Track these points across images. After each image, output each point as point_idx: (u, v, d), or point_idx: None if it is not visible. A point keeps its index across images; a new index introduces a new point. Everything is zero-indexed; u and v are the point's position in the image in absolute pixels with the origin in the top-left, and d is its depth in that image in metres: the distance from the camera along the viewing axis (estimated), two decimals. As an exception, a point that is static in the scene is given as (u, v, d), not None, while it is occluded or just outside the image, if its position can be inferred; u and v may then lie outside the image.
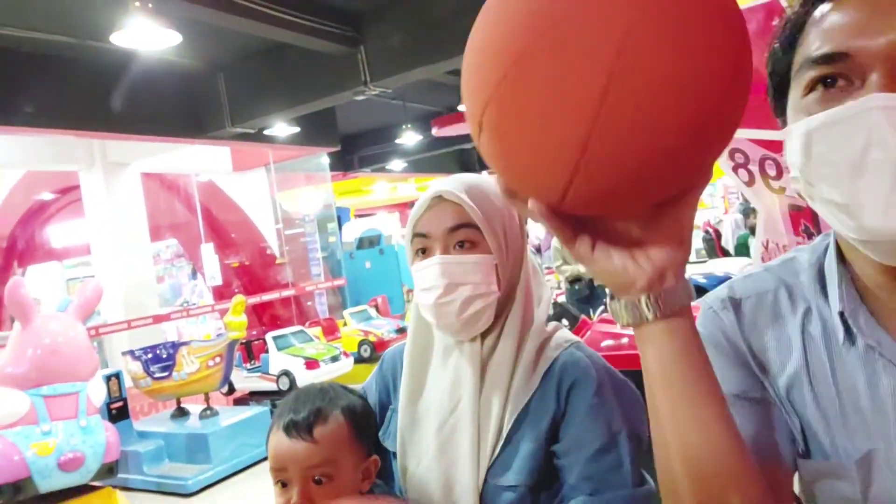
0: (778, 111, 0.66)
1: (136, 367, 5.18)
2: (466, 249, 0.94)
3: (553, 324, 1.02)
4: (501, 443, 0.93)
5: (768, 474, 0.62)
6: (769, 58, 0.65)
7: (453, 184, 0.97)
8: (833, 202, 0.56)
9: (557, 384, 0.93)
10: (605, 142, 0.49)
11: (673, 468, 0.59)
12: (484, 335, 0.97)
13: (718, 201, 16.20)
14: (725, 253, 10.15)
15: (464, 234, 0.94)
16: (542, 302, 1.02)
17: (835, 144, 0.55)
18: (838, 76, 0.57)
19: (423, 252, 0.97)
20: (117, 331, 6.89)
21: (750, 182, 1.97)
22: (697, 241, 14.14)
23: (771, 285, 0.70)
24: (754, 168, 1.93)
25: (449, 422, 0.96)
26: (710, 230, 11.72)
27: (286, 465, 0.90)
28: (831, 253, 0.66)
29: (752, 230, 8.30)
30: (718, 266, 6.44)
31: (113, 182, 7.67)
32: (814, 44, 0.58)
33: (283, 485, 0.91)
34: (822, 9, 0.59)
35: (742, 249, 8.29)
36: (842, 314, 0.62)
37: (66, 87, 5.51)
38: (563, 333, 1.01)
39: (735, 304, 0.71)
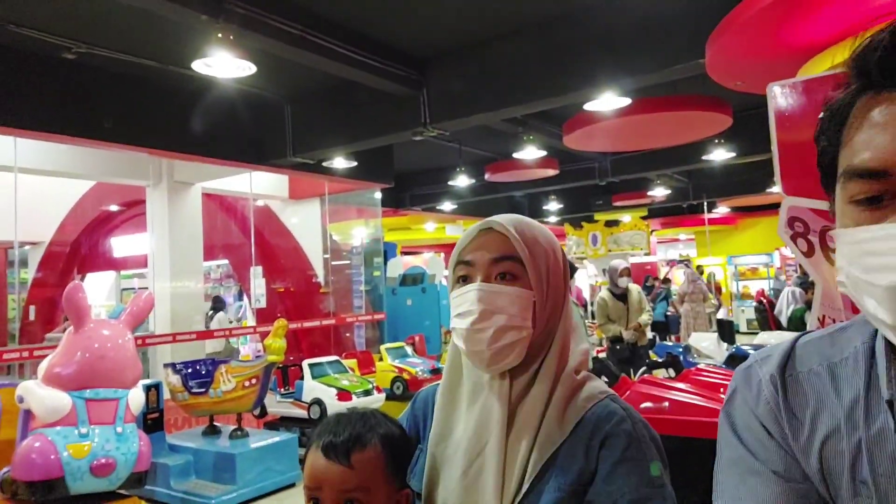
0: (828, 190, 0.65)
1: (176, 380, 5.29)
2: (507, 281, 0.96)
3: (583, 373, 1.00)
4: (525, 489, 0.91)
5: None
6: (816, 143, 0.64)
7: (504, 218, 1.00)
8: (879, 319, 0.56)
9: (589, 437, 0.91)
10: None
11: None
12: (514, 375, 0.97)
13: (775, 272, 15.70)
14: (778, 324, 9.78)
15: (507, 266, 0.96)
16: (576, 352, 1.00)
17: (879, 267, 0.54)
18: (881, 193, 0.56)
19: (465, 279, 0.99)
20: (163, 343, 7.08)
21: (809, 253, 1.91)
22: (750, 311, 13.68)
23: (814, 364, 0.68)
24: (814, 239, 1.88)
25: (475, 464, 0.95)
26: (764, 300, 11.33)
27: (321, 484, 0.92)
28: (882, 338, 0.63)
29: (809, 305, 7.98)
30: (770, 339, 6.20)
31: (176, 200, 8.00)
32: (857, 151, 0.57)
33: (315, 502, 0.93)
34: (865, 103, 0.58)
35: (795, 323, 7.97)
36: (890, 402, 0.60)
37: (144, 107, 5.84)
38: (597, 384, 0.99)
39: (782, 380, 0.69)
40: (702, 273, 14.16)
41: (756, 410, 0.69)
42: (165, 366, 5.51)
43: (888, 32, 0.56)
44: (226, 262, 11.18)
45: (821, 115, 0.63)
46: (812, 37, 3.24)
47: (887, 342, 0.63)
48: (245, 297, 10.32)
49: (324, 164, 7.29)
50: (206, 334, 7.65)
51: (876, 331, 0.66)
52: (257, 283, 8.62)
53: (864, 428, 0.61)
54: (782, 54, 3.46)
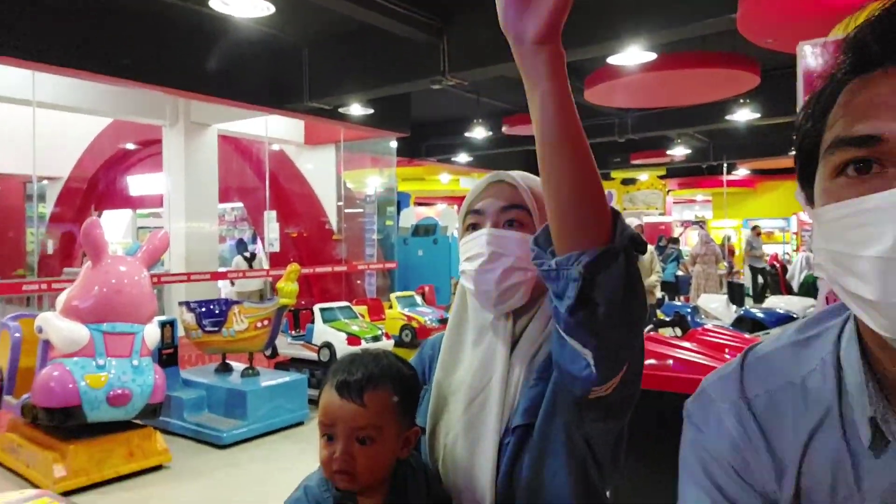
0: (804, 184, 0.63)
1: (190, 318, 5.41)
2: (514, 228, 1.02)
3: None
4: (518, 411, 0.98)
5: None
6: (796, 131, 0.62)
7: (513, 172, 1.07)
8: (862, 298, 0.53)
9: None
10: None
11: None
12: (517, 315, 1.03)
13: (791, 237, 15.54)
14: (789, 289, 9.74)
15: (514, 214, 1.03)
16: None
17: (865, 238, 0.52)
18: (871, 160, 0.53)
19: (475, 227, 1.04)
20: (178, 282, 7.21)
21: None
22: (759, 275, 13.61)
23: (782, 379, 0.65)
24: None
25: (478, 399, 1.00)
26: (777, 264, 11.25)
27: (335, 421, 0.96)
28: (853, 346, 0.61)
29: (822, 271, 7.91)
30: (779, 303, 6.19)
31: (192, 140, 8.00)
32: (846, 123, 0.55)
33: (329, 438, 0.97)
34: (855, 85, 0.56)
35: (807, 288, 7.94)
36: (873, 419, 0.58)
37: (162, 46, 5.77)
38: None
39: (746, 403, 0.66)
40: (759, 234, 13.52)
41: (717, 443, 0.66)
42: (180, 304, 5.63)
43: (883, 9, 0.54)
44: (240, 204, 11.25)
45: (807, 97, 0.62)
46: (849, -6, 3.12)
47: (862, 352, 0.61)
48: (258, 241, 10.41)
49: (340, 110, 7.21)
50: (220, 275, 7.76)
51: (840, 339, 0.64)
52: (271, 227, 8.68)
53: (841, 445, 0.60)
54: (816, 12, 3.34)
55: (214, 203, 8.35)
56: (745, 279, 12.30)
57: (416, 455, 1.05)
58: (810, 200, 0.61)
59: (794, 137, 0.63)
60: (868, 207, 0.52)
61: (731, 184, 15.38)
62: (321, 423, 0.97)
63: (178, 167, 7.95)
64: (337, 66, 6.47)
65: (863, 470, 0.58)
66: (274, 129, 8.98)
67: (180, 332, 5.33)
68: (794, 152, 0.64)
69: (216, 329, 5.31)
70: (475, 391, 1.00)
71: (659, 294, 6.19)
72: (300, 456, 4.55)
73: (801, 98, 2.34)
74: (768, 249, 15.29)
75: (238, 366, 5.44)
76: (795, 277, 9.96)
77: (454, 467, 1.00)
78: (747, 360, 0.69)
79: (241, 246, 9.56)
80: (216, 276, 7.62)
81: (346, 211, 10.33)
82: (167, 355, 5.02)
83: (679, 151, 11.85)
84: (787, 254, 14.62)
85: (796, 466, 0.62)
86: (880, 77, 0.54)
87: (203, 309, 5.46)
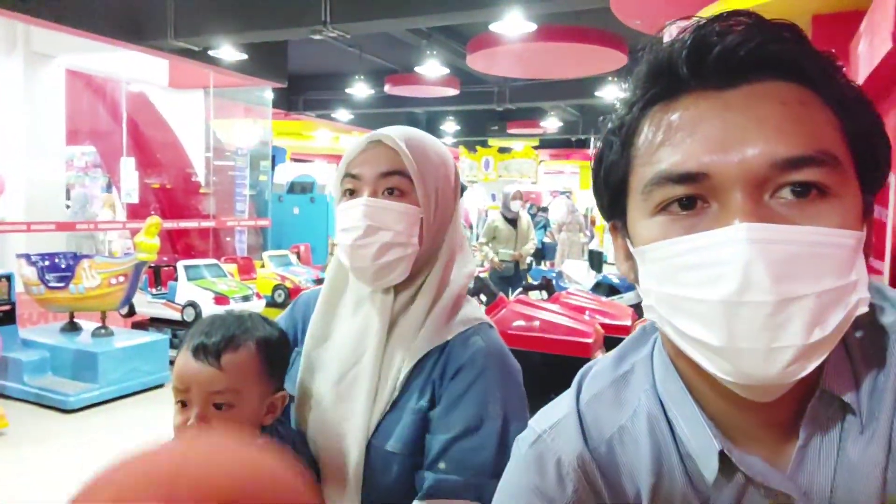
0: (610, 216, 0.59)
1: (31, 272, 4.88)
2: (395, 197, 0.94)
3: (466, 296, 1.02)
4: (392, 401, 0.94)
5: None
6: (597, 163, 0.59)
7: (395, 131, 0.96)
8: (704, 343, 0.49)
9: (445, 363, 0.93)
10: None
11: None
12: (398, 290, 0.97)
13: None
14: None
15: (395, 182, 0.94)
16: (460, 274, 1.01)
17: (704, 280, 0.48)
18: (696, 197, 0.50)
19: (352, 193, 0.96)
20: (15, 231, 6.45)
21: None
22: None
23: (614, 424, 0.61)
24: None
25: (350, 374, 0.96)
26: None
27: (189, 385, 0.89)
28: (673, 383, 0.58)
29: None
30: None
31: (33, 73, 7.08)
32: (663, 159, 0.51)
33: (184, 404, 0.90)
34: (661, 111, 0.53)
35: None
36: (722, 452, 0.55)
37: (-7, -42, 5.00)
38: (473, 310, 1.01)
39: (591, 456, 0.60)
40: None
41: (560, 496, 0.59)
42: (19, 256, 5.06)
43: (689, 33, 0.52)
44: (92, 149, 10.19)
45: (608, 128, 0.58)
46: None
47: (688, 383, 0.57)
48: (114, 190, 9.54)
49: (209, 52, 6.69)
50: (67, 226, 7.04)
51: (653, 372, 0.61)
52: (129, 175, 7.96)
53: (685, 482, 0.57)
54: (682, -2, 3.56)
55: (60, 145, 7.50)
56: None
57: (285, 422, 1.00)
58: (619, 231, 0.59)
59: (595, 171, 0.59)
60: (702, 246, 0.49)
61: (597, 157, 16.31)
62: (175, 388, 0.90)
63: (14, 102, 7.01)
64: (208, 3, 5.98)
65: (710, 500, 0.56)
66: (133, 66, 8.15)
67: (19, 287, 4.80)
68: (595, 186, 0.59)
69: (62, 285, 4.84)
70: (347, 365, 0.96)
71: (529, 260, 6.48)
72: (157, 420, 4.30)
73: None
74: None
75: (88, 325, 5.01)
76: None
77: (325, 440, 0.96)
78: (582, 404, 0.63)
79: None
80: (62, 226, 6.89)
81: (216, 163, 9.69)
82: (3, 313, 4.51)
83: (552, 124, 12.35)
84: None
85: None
86: (689, 102, 0.52)
87: (46, 262, 4.94)
